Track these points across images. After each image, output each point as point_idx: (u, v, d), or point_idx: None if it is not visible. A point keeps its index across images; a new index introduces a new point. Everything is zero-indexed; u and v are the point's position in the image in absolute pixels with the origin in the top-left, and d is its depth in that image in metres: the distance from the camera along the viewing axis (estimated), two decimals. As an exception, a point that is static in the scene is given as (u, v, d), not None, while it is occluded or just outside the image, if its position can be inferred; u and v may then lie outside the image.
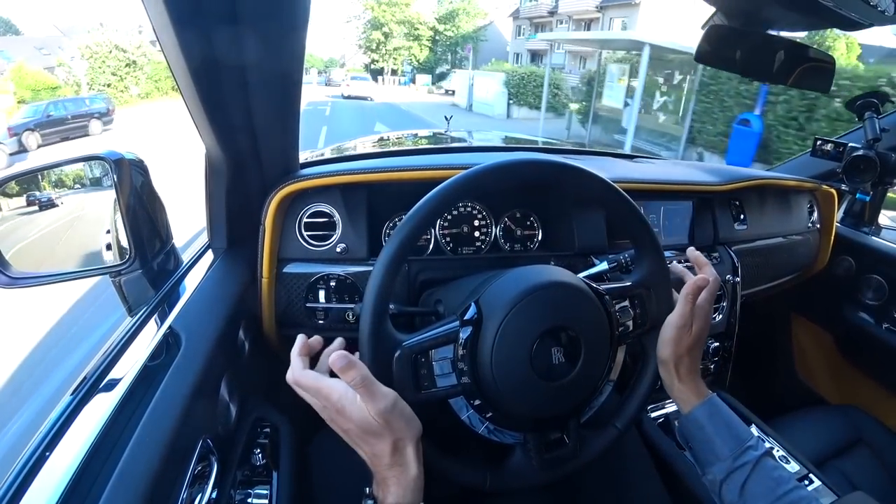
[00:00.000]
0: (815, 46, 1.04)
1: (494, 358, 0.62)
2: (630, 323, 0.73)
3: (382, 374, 0.60)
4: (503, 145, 1.74)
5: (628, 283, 0.74)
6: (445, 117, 1.95)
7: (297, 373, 0.63)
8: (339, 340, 0.70)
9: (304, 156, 1.18)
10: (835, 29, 0.97)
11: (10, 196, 0.86)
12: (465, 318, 0.64)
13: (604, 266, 0.87)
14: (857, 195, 1.47)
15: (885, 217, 1.56)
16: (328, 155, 1.40)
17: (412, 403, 0.60)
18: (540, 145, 1.90)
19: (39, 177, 0.91)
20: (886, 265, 1.39)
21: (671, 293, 0.75)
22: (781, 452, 1.02)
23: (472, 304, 0.65)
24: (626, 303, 0.73)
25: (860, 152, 1.26)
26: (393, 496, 0.57)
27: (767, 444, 1.03)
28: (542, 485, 0.72)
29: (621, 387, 0.79)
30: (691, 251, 0.80)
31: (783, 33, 1.06)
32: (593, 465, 0.74)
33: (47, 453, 0.53)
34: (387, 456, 0.57)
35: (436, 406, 0.67)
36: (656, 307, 0.75)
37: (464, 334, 0.63)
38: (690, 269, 0.79)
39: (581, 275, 0.80)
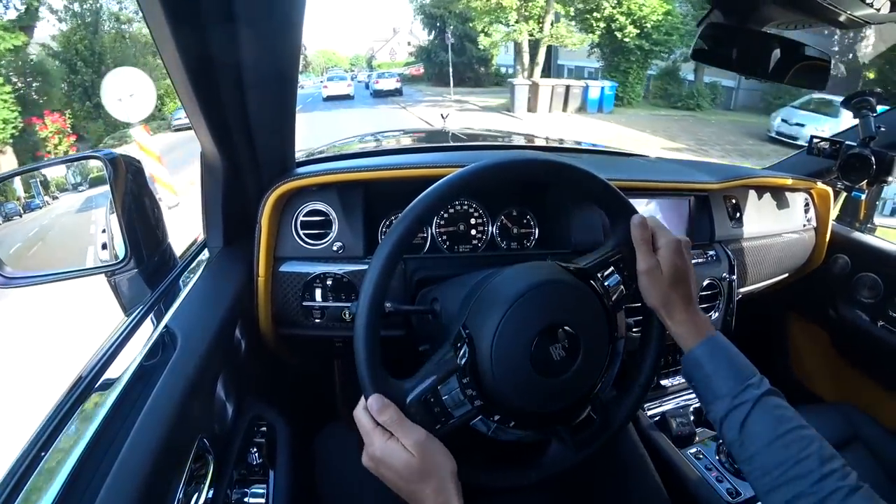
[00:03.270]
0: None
1: (495, 370, 0.62)
2: (622, 287, 0.72)
3: None
4: (500, 143, 1.74)
5: (608, 249, 0.73)
6: (442, 115, 1.95)
7: (359, 411, 0.64)
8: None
9: (300, 154, 1.18)
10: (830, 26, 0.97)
11: (5, 195, 0.86)
12: (458, 344, 0.65)
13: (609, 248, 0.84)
14: (853, 193, 1.47)
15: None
16: (324, 153, 1.39)
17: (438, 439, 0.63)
18: (538, 143, 1.90)
19: (36, 176, 0.91)
20: (881, 263, 1.40)
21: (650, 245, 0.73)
22: None
23: (460, 328, 0.65)
24: (612, 269, 0.72)
25: (855, 150, 1.26)
26: None
27: None
28: (580, 463, 0.73)
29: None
30: (638, 218, 0.73)
31: (779, 31, 1.06)
32: (591, 463, 0.74)
33: (43, 453, 0.53)
34: (431, 496, 0.59)
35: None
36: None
37: (461, 361, 0.63)
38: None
39: (582, 262, 0.78)
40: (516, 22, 16.88)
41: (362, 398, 0.63)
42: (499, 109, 15.87)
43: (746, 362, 0.67)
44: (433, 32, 32.53)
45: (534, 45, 17.80)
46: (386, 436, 0.60)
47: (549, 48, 18.75)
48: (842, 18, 0.86)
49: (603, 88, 15.14)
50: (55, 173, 0.97)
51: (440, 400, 0.63)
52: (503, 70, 29.70)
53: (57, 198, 0.93)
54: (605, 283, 0.71)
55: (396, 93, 25.18)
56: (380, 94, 25.40)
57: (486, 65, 29.85)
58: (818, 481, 0.56)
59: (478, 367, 0.63)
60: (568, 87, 14.96)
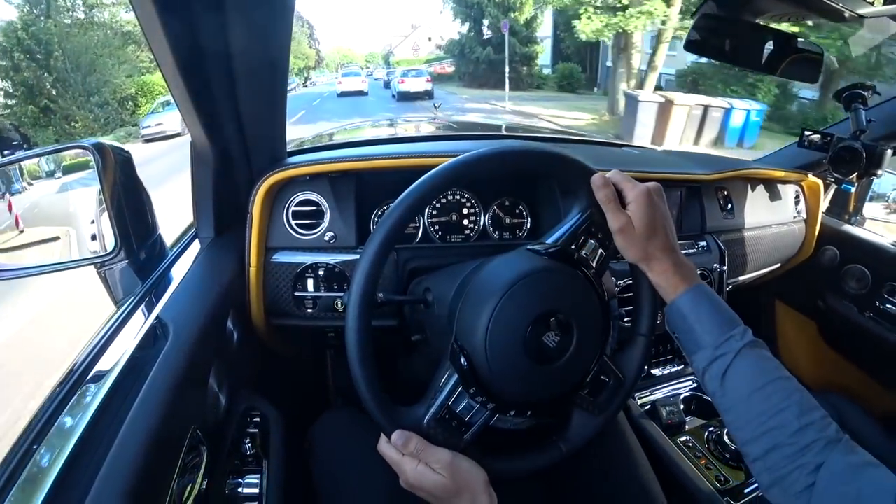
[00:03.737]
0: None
1: (492, 368, 0.63)
2: (600, 251, 0.71)
3: None
4: (492, 133, 1.73)
5: (576, 216, 0.72)
6: (434, 105, 1.94)
7: (383, 446, 0.65)
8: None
9: (291, 144, 1.17)
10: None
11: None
12: (454, 358, 0.65)
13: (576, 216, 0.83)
14: (843, 186, 1.48)
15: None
16: (316, 143, 1.38)
17: (465, 451, 0.65)
18: (531, 133, 1.90)
19: (22, 166, 0.90)
20: (869, 255, 1.41)
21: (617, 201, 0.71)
22: None
23: (453, 343, 0.66)
24: (584, 238, 0.71)
25: (846, 143, 1.27)
26: None
27: None
28: (606, 426, 0.74)
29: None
30: (599, 177, 0.70)
31: (772, 24, 1.06)
32: (582, 452, 0.74)
33: (35, 446, 0.53)
34: None
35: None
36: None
37: (461, 371, 0.64)
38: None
39: (555, 235, 0.74)
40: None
41: (382, 437, 0.65)
42: (599, 134, 8.29)
43: (730, 312, 0.67)
44: (467, 23, 27.30)
45: (616, 40, 12.26)
46: (415, 462, 0.62)
47: (596, 45, 15.77)
48: (835, 12, 0.86)
49: (749, 113, 9.60)
50: (42, 163, 0.95)
51: (454, 413, 0.65)
52: (544, 71, 25.23)
53: (44, 188, 0.92)
54: (582, 253, 0.70)
55: (426, 96, 20.27)
56: (406, 98, 20.27)
57: (530, 64, 24.77)
58: (797, 432, 0.56)
59: (478, 372, 0.64)
60: (706, 109, 9.41)
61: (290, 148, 1.06)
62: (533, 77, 24.74)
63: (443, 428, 0.65)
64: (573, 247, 0.70)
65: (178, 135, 12.82)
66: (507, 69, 17.07)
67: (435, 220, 1.07)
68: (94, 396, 0.59)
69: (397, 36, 76.71)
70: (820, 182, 1.44)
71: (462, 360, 0.64)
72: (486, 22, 24.43)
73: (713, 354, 0.63)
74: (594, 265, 0.71)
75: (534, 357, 0.63)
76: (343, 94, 24.69)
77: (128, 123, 17.42)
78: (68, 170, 0.93)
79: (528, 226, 1.12)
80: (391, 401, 0.64)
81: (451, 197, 1.08)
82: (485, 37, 21.98)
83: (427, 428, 0.64)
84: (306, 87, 48.89)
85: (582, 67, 22.54)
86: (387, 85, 29.35)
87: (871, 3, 0.83)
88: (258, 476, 0.78)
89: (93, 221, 0.86)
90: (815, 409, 0.58)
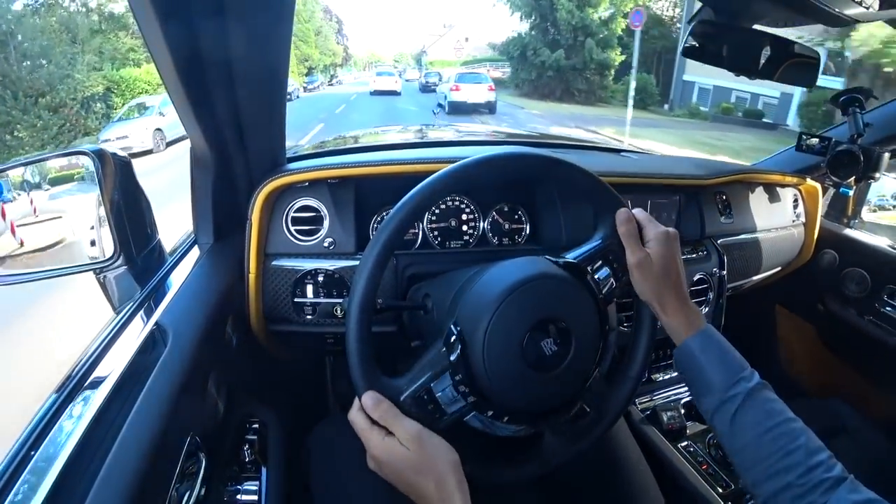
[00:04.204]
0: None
1: (488, 366, 0.62)
2: (612, 280, 0.72)
3: None
4: (491, 139, 1.74)
5: (596, 243, 0.73)
6: (433, 111, 1.94)
7: (353, 413, 0.64)
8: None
9: (290, 150, 1.17)
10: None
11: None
12: (450, 342, 0.64)
13: (597, 242, 0.84)
14: (841, 190, 1.49)
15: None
16: (315, 149, 1.39)
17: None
18: (529, 139, 1.90)
19: (21, 172, 0.90)
20: (869, 258, 1.41)
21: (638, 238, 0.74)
22: None
23: (451, 325, 0.65)
24: (601, 262, 0.72)
25: (844, 147, 1.28)
26: None
27: None
28: (577, 455, 0.73)
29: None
30: (624, 213, 0.73)
31: (769, 29, 1.07)
32: (583, 457, 0.74)
33: (32, 452, 0.52)
34: (432, 493, 0.58)
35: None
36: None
37: (453, 358, 0.63)
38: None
39: (574, 254, 0.78)
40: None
41: (356, 400, 0.63)
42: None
43: (738, 355, 0.68)
44: (533, 18, 21.63)
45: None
46: (382, 433, 0.60)
47: (666, 52, 13.13)
48: (832, 16, 0.87)
49: None
50: (41, 169, 0.95)
51: (434, 397, 0.63)
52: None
53: (43, 194, 0.92)
54: (596, 276, 0.71)
55: (486, 109, 15.86)
56: (460, 110, 15.03)
57: (604, 74, 20.58)
58: (805, 473, 0.57)
59: (470, 364, 0.63)
60: None
61: (288, 154, 1.06)
62: (605, 90, 21.01)
63: (418, 408, 0.63)
64: (589, 268, 0.71)
65: (148, 152, 9.76)
66: (632, 81, 11.42)
67: (434, 225, 1.07)
68: (93, 402, 0.58)
69: (431, 35, 73.20)
70: (818, 186, 1.45)
71: (457, 345, 0.63)
72: (557, 17, 19.36)
73: (723, 396, 0.64)
74: (603, 291, 0.71)
75: (529, 361, 0.63)
76: (375, 93, 23.64)
77: (94, 132, 13.25)
78: (55, 182, 0.93)
79: (528, 231, 1.12)
80: (376, 369, 0.63)
81: (450, 203, 1.08)
82: (550, 36, 18.21)
83: (402, 402, 0.63)
84: (332, 85, 43.86)
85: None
86: (425, 88, 25.22)
87: (868, 8, 0.83)
88: (256, 483, 0.78)
89: (92, 227, 0.86)
90: (822, 450, 0.60)
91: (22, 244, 0.87)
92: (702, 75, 17.94)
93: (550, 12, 20.43)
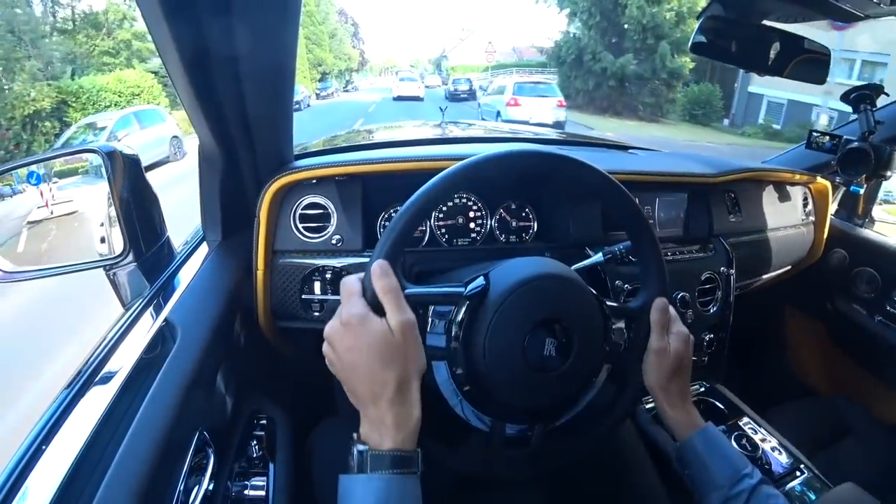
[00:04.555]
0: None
1: (488, 341, 0.62)
2: (622, 342, 0.74)
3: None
4: (498, 136, 1.73)
5: (631, 307, 0.74)
6: (440, 108, 1.94)
7: (349, 277, 0.61)
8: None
9: (298, 147, 1.18)
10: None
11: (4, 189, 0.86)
12: (472, 286, 0.64)
13: (599, 258, 0.87)
14: (851, 188, 1.47)
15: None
16: (323, 146, 1.39)
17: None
18: (535, 136, 1.90)
19: (34, 169, 0.91)
20: (879, 258, 1.40)
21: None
22: (774, 443, 1.03)
23: (482, 276, 0.65)
24: (622, 324, 0.73)
25: (855, 145, 1.26)
26: (391, 440, 0.54)
27: (760, 436, 1.04)
28: (498, 477, 0.72)
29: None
30: (662, 302, 0.75)
31: (779, 25, 1.06)
32: (590, 457, 0.74)
33: (44, 447, 0.53)
34: (391, 389, 0.54)
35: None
36: (646, 335, 0.74)
37: (467, 300, 0.63)
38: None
39: (575, 266, 0.80)
40: None
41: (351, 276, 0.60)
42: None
43: (738, 452, 0.72)
44: (591, 15, 17.49)
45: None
46: (367, 307, 0.56)
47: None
48: (842, 12, 0.86)
49: None
50: (53, 166, 0.96)
51: (425, 318, 0.64)
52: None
53: (54, 191, 0.93)
54: (611, 322, 0.72)
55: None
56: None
57: (672, 85, 17.06)
58: None
59: (473, 326, 0.63)
60: None
61: (296, 151, 1.07)
62: (673, 104, 17.35)
63: None
64: (609, 302, 0.72)
65: (73, 213, 5.23)
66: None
67: (441, 223, 1.07)
68: (103, 397, 0.59)
69: (451, 39, 68.81)
70: (828, 184, 1.43)
71: (476, 292, 0.63)
72: (625, 14, 15.64)
73: (728, 493, 0.66)
74: (612, 339, 0.72)
75: (530, 360, 0.63)
76: (399, 98, 22.83)
77: (44, 141, 11.17)
78: (61, 175, 0.94)
79: (535, 229, 1.12)
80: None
81: (457, 200, 1.08)
82: (609, 38, 14.95)
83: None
84: (347, 91, 39.76)
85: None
86: (454, 97, 21.57)
87: (879, 4, 0.82)
88: (264, 478, 0.78)
89: (101, 224, 0.87)
90: None
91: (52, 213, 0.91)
92: (772, 87, 14.73)
93: (615, 9, 16.73)
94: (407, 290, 0.59)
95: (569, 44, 18.59)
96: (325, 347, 0.59)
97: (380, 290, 0.56)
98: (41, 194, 0.90)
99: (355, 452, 0.55)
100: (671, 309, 0.75)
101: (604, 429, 0.75)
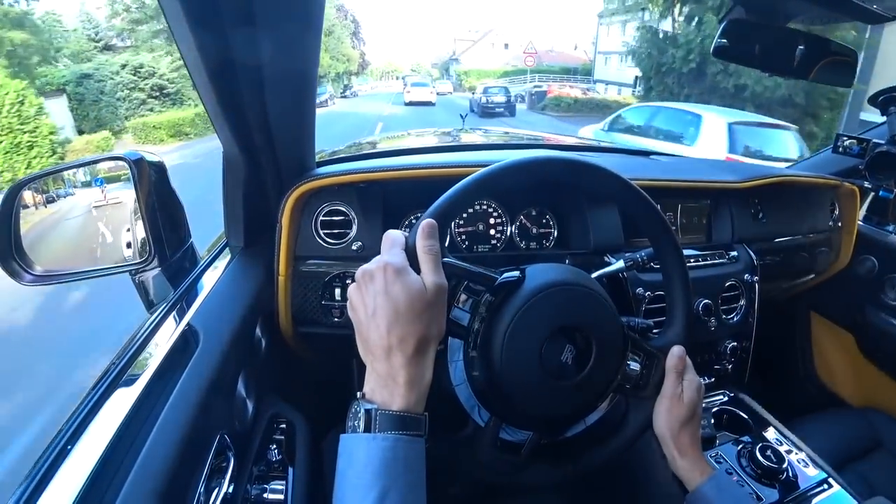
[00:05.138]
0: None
1: (510, 332, 0.62)
2: (635, 376, 0.72)
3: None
4: (518, 143, 1.73)
5: (652, 345, 0.73)
6: (461, 115, 1.95)
7: (394, 231, 0.61)
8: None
9: (320, 154, 1.19)
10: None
11: (35, 195, 0.88)
12: (507, 275, 0.64)
13: (620, 265, 0.86)
14: (880, 193, 1.44)
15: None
16: (344, 153, 1.40)
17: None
18: (555, 143, 1.89)
19: (63, 176, 0.93)
20: None
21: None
22: (801, 456, 1.00)
23: (518, 269, 0.65)
24: (641, 352, 0.72)
25: (883, 148, 1.23)
26: (402, 399, 0.53)
27: (786, 447, 1.02)
28: (476, 477, 0.70)
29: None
30: (679, 350, 0.74)
31: (803, 27, 1.04)
32: (610, 464, 0.73)
33: (69, 447, 0.54)
34: (411, 346, 0.53)
35: None
36: (663, 377, 0.73)
37: (499, 286, 0.63)
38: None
39: (596, 273, 0.79)
40: None
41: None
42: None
43: (750, 496, 0.74)
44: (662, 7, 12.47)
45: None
46: (405, 260, 0.57)
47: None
48: (868, 13, 0.84)
49: None
50: (81, 174, 0.99)
51: (453, 293, 0.64)
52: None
53: (82, 198, 0.96)
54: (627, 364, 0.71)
55: None
56: None
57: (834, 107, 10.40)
58: None
59: (495, 320, 0.63)
60: None
61: (318, 158, 1.08)
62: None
63: None
64: (626, 320, 0.72)
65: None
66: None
67: (462, 230, 1.07)
68: (127, 399, 0.60)
69: (464, 40, 62.38)
70: (856, 189, 1.40)
71: (508, 282, 0.63)
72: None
73: None
74: (624, 376, 0.71)
75: (547, 366, 0.63)
76: (411, 104, 22.63)
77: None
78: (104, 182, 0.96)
79: (555, 235, 1.11)
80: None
81: (477, 207, 1.08)
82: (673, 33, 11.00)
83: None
84: (345, 97, 36.00)
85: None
86: (487, 112, 17.44)
87: (908, 5, 0.80)
88: (283, 483, 0.79)
89: (128, 230, 0.89)
90: None
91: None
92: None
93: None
94: (445, 259, 0.59)
95: (642, 43, 13.05)
96: (352, 288, 0.59)
97: (422, 249, 0.57)
98: (104, 195, 0.93)
99: (362, 411, 0.54)
100: (687, 359, 0.74)
101: (597, 460, 0.74)
